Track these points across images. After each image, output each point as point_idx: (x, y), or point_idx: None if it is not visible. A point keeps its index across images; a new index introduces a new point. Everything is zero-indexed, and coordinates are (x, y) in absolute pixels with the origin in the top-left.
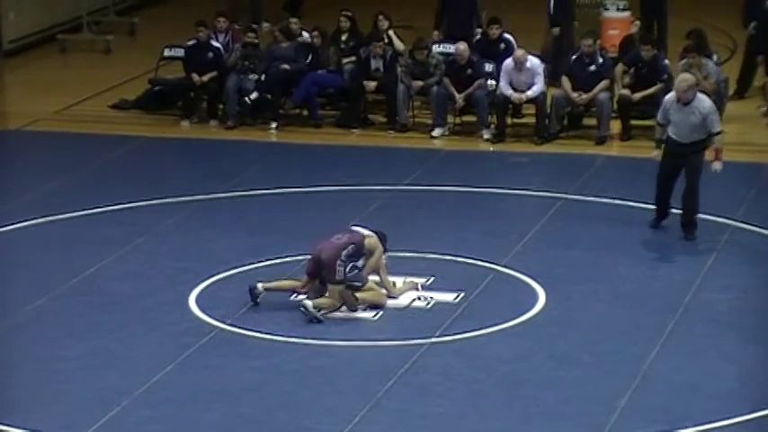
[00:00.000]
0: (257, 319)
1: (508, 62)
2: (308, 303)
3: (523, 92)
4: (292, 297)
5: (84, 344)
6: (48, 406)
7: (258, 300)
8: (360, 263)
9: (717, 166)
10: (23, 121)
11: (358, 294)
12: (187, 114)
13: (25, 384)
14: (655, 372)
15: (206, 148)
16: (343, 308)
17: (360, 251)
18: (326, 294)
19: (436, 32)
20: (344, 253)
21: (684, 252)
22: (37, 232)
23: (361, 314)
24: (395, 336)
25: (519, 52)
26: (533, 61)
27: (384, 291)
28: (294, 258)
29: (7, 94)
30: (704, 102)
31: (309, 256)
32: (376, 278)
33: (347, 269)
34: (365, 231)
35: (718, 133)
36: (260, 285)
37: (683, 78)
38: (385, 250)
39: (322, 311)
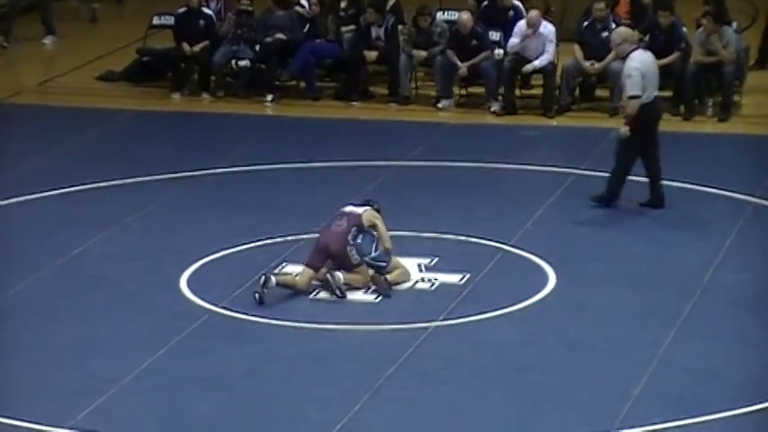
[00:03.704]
0: (251, 302)
1: (522, 23)
2: (339, 275)
3: (530, 61)
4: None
5: (69, 329)
6: (31, 395)
7: (265, 292)
8: (368, 237)
9: (621, 129)
10: (5, 94)
11: (389, 277)
12: (177, 86)
13: (7, 372)
14: (671, 357)
15: (197, 123)
16: (371, 288)
17: (362, 230)
18: (356, 271)
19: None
20: (350, 237)
21: (702, 231)
22: (19, 211)
23: (361, 296)
24: (396, 319)
25: (533, 13)
26: (548, 27)
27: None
28: (291, 238)
29: None
30: (630, 61)
31: (315, 250)
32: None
33: (360, 246)
34: (358, 209)
35: (631, 97)
36: (274, 278)
37: (617, 32)
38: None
39: (346, 287)
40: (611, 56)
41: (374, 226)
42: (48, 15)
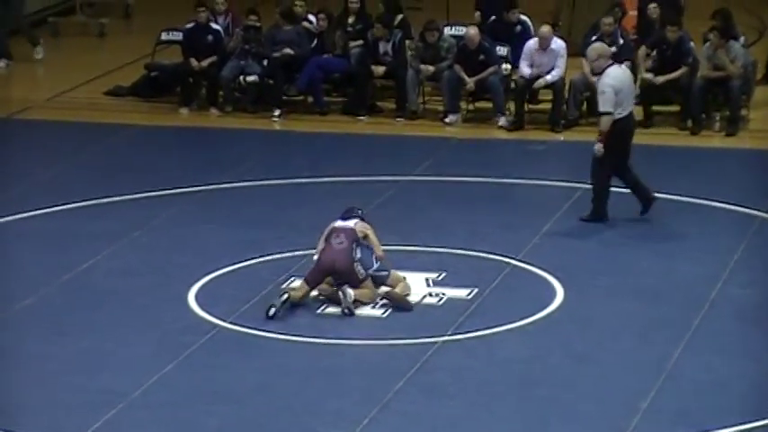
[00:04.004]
0: (260, 317)
1: (531, 43)
2: (350, 292)
3: (541, 76)
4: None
5: (76, 343)
6: (39, 409)
7: (281, 310)
8: (366, 250)
9: (595, 147)
10: (14, 109)
11: (397, 290)
12: (186, 101)
13: (14, 386)
14: (679, 371)
15: (205, 137)
16: (379, 303)
17: (359, 243)
18: (362, 286)
19: (478, 13)
20: (354, 254)
21: (710, 245)
22: (27, 226)
23: (369, 311)
24: (404, 334)
25: (545, 29)
26: (558, 42)
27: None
28: (299, 253)
29: None
30: (605, 77)
31: (319, 270)
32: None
33: (362, 260)
34: (349, 223)
35: (602, 114)
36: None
37: (592, 47)
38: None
39: (356, 304)
40: None
41: (366, 236)
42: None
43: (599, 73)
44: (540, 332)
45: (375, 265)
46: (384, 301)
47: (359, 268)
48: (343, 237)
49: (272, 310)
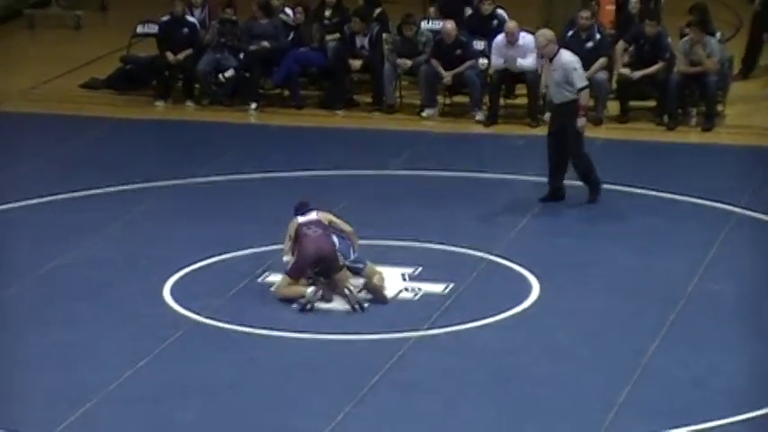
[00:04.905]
0: (236, 311)
1: (499, 38)
2: (352, 287)
3: (514, 73)
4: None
5: (52, 337)
6: (14, 403)
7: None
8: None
9: (579, 122)
10: None
11: (375, 282)
12: (161, 94)
13: None
14: (655, 366)
15: (182, 131)
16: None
17: (333, 231)
18: (339, 282)
19: (432, 9)
20: (333, 239)
21: (686, 240)
22: (2, 219)
23: (345, 305)
24: (380, 329)
25: (511, 24)
26: (527, 37)
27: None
28: (274, 247)
29: None
30: (565, 56)
31: (305, 261)
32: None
33: (341, 249)
34: (310, 216)
35: (582, 89)
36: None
37: (541, 33)
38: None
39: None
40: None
41: (331, 222)
42: None
43: (552, 57)
44: (516, 327)
45: (352, 256)
46: (362, 290)
47: (339, 254)
48: (314, 227)
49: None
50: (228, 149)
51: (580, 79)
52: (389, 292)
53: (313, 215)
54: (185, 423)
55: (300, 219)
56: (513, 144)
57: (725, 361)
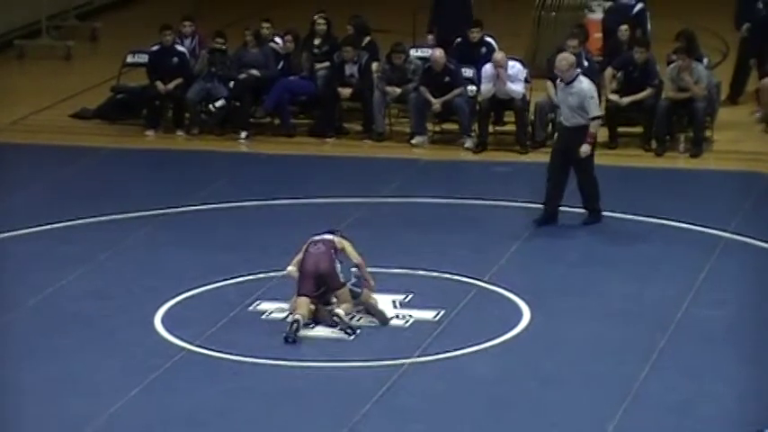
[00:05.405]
0: (227, 339)
1: (488, 66)
2: (341, 312)
3: (503, 101)
4: (289, 317)
5: (42, 368)
6: None
7: (298, 335)
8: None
9: (583, 148)
10: None
11: (371, 300)
12: (152, 124)
13: None
14: (646, 392)
15: (172, 160)
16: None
17: (337, 253)
18: (341, 299)
19: (430, 36)
20: (334, 256)
21: (676, 266)
22: None
23: (336, 333)
24: (371, 356)
25: (498, 55)
26: (516, 67)
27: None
28: (265, 275)
29: None
30: (583, 83)
31: (306, 277)
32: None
33: (341, 269)
34: (326, 235)
35: (594, 118)
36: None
37: (563, 57)
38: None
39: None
40: None
41: (344, 248)
42: None
43: (569, 83)
44: (507, 354)
45: (352, 281)
46: (361, 312)
47: (339, 273)
48: (320, 244)
49: (289, 339)
50: (219, 178)
51: (596, 108)
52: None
53: (329, 236)
54: None
55: (316, 237)
56: (501, 171)
57: (715, 386)
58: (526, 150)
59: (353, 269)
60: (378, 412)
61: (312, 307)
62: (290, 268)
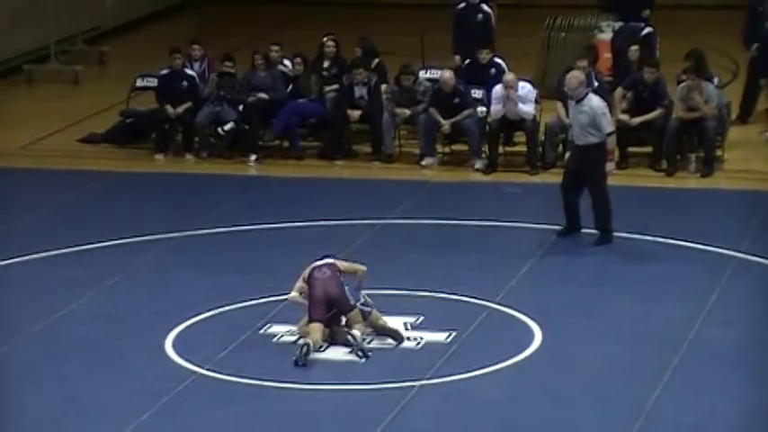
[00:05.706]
0: (238, 363)
1: (498, 87)
2: (357, 333)
3: (513, 121)
4: (300, 340)
5: (51, 393)
6: None
7: (308, 359)
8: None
9: (608, 166)
10: None
11: (380, 321)
12: (161, 148)
13: None
14: (658, 413)
15: (181, 183)
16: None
17: (342, 274)
18: (352, 320)
19: (457, 57)
20: (341, 279)
21: (687, 286)
22: (2, 274)
23: (346, 356)
24: (383, 378)
25: (509, 77)
26: (526, 87)
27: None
28: (276, 298)
29: None
30: (594, 100)
31: (316, 303)
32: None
33: (349, 290)
34: (325, 260)
35: (610, 134)
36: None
37: (573, 75)
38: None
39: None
40: None
41: (345, 268)
42: None
43: (580, 99)
44: (518, 375)
45: (361, 300)
46: (371, 335)
47: (349, 295)
48: (325, 269)
49: (299, 363)
50: (228, 201)
51: (609, 124)
52: (392, 341)
53: (328, 260)
54: None
55: (315, 263)
56: (511, 192)
57: (727, 406)
58: (536, 171)
59: (364, 292)
60: None
61: (326, 330)
62: (293, 294)
